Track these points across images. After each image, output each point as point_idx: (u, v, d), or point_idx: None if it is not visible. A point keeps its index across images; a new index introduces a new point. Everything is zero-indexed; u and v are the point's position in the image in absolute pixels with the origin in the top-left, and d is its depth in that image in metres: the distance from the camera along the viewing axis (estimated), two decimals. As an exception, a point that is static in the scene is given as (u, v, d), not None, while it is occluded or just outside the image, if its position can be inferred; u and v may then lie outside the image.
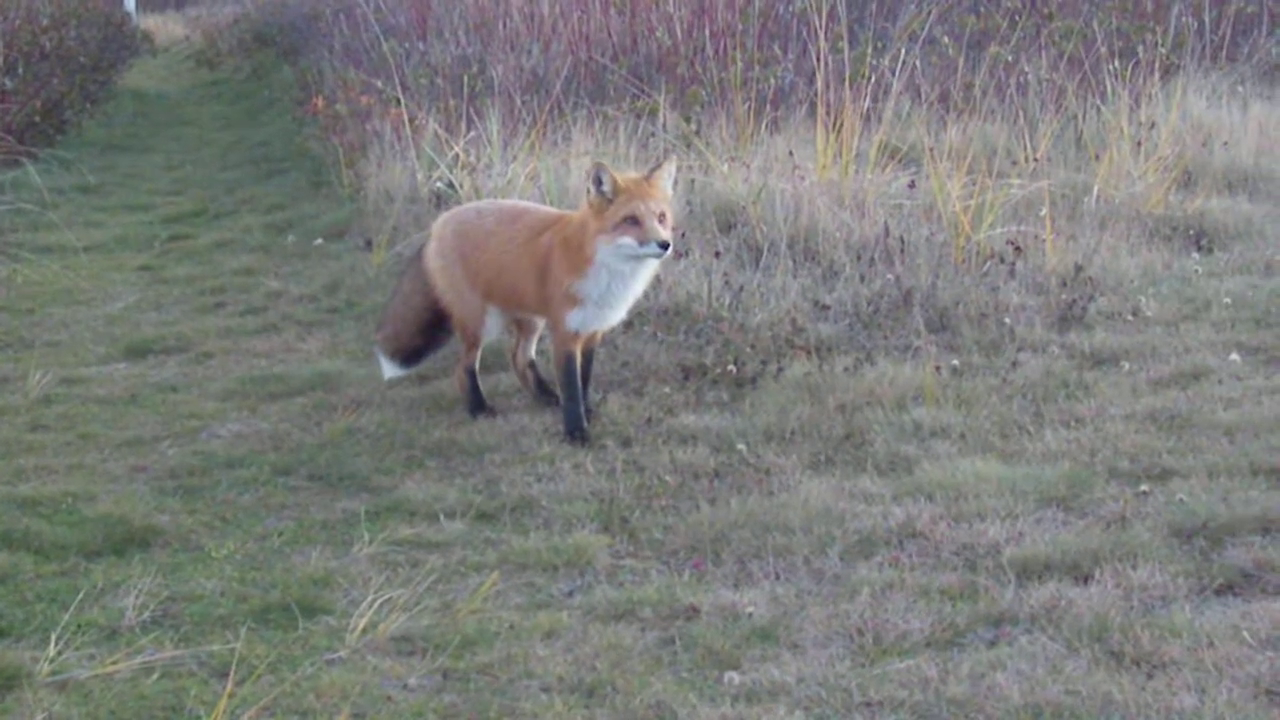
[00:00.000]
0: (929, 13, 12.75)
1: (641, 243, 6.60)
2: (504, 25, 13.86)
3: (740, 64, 11.48)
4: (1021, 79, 12.01)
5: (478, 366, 7.41)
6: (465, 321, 7.29)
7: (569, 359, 6.96)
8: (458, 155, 10.44)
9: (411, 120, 11.30)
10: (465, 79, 11.84)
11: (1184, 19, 13.74)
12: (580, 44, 13.06)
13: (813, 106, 10.79)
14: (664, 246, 6.60)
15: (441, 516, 6.14)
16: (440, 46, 13.78)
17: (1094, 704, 4.47)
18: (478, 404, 7.34)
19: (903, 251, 8.92)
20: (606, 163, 7.05)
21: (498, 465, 6.71)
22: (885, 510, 5.97)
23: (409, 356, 7.54)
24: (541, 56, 12.94)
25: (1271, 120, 12.34)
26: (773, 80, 11.89)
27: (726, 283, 8.54)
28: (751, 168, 10.18)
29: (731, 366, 7.55)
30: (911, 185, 9.91)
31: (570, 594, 5.47)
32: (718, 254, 8.95)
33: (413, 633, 5.11)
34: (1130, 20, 13.36)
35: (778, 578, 5.50)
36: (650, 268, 6.89)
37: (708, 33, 12.64)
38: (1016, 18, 13.37)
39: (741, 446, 6.75)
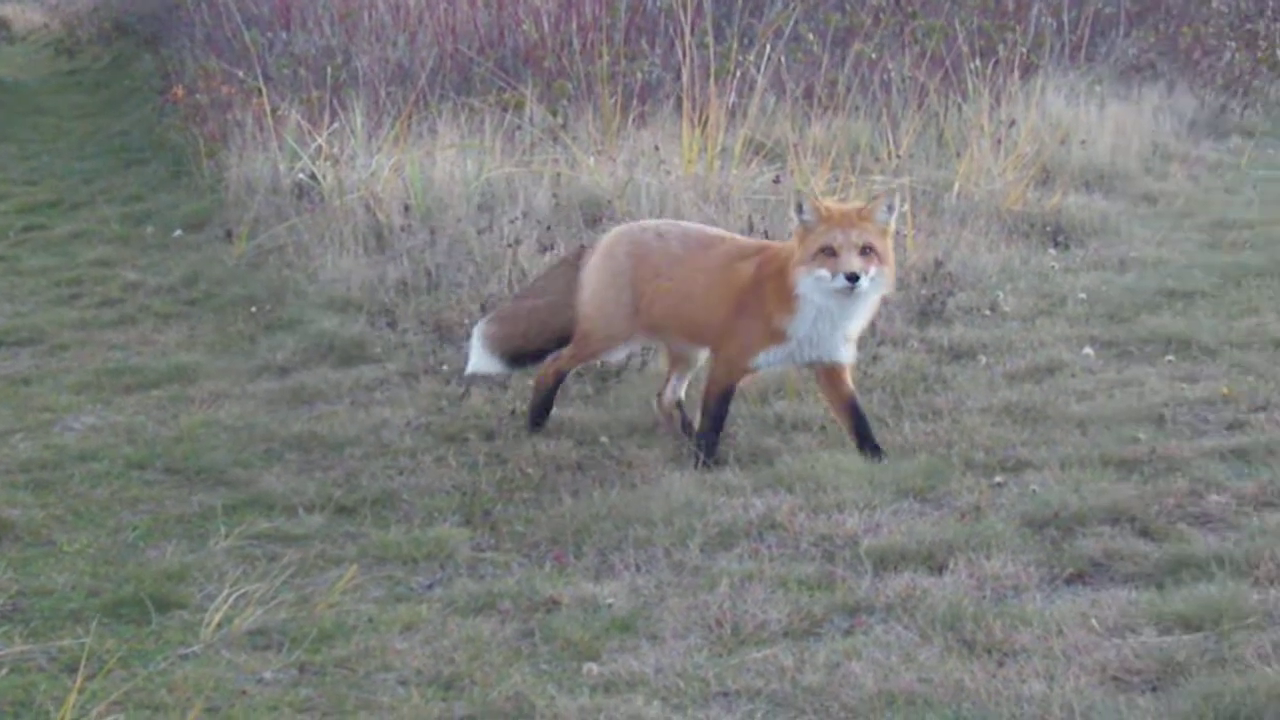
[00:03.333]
0: (794, 9, 12.83)
1: (834, 274, 6.21)
2: (369, 16, 13.74)
3: (607, 58, 11.48)
4: (885, 76, 12.12)
5: (561, 379, 7.02)
6: (596, 338, 6.81)
7: (729, 391, 6.59)
8: (320, 147, 10.34)
9: (274, 111, 11.17)
10: (329, 70, 11.74)
11: (1044, 19, 13.95)
12: (447, 36, 12.99)
13: (679, 101, 10.81)
14: (851, 279, 6.18)
15: (300, 510, 6.10)
16: (304, 37, 13.66)
17: (945, 691, 4.52)
18: (543, 413, 6.96)
19: (766, 246, 8.96)
20: (812, 192, 6.74)
21: (358, 458, 6.66)
22: (746, 502, 6.00)
23: (523, 358, 7.01)
24: (407, 48, 12.86)
25: (1128, 119, 12.62)
26: (639, 75, 11.91)
27: (591, 276, 8.53)
28: (618, 162, 10.18)
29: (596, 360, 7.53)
30: (776, 180, 9.96)
31: (430, 587, 5.45)
32: (583, 248, 8.91)
33: (269, 627, 5.06)
34: (991, 19, 13.52)
35: (638, 569, 5.51)
36: (865, 306, 6.42)
37: (575, 26, 12.62)
38: (880, 15, 13.49)
39: (605, 439, 6.77)
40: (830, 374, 6.54)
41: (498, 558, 5.69)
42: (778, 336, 6.42)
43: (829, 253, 6.21)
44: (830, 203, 6.43)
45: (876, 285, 6.31)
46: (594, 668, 4.77)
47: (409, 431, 6.95)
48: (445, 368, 7.69)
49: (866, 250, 6.22)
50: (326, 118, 10.84)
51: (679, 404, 6.93)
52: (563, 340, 6.92)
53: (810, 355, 6.47)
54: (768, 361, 6.52)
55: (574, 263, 7.02)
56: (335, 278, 8.93)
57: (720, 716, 4.50)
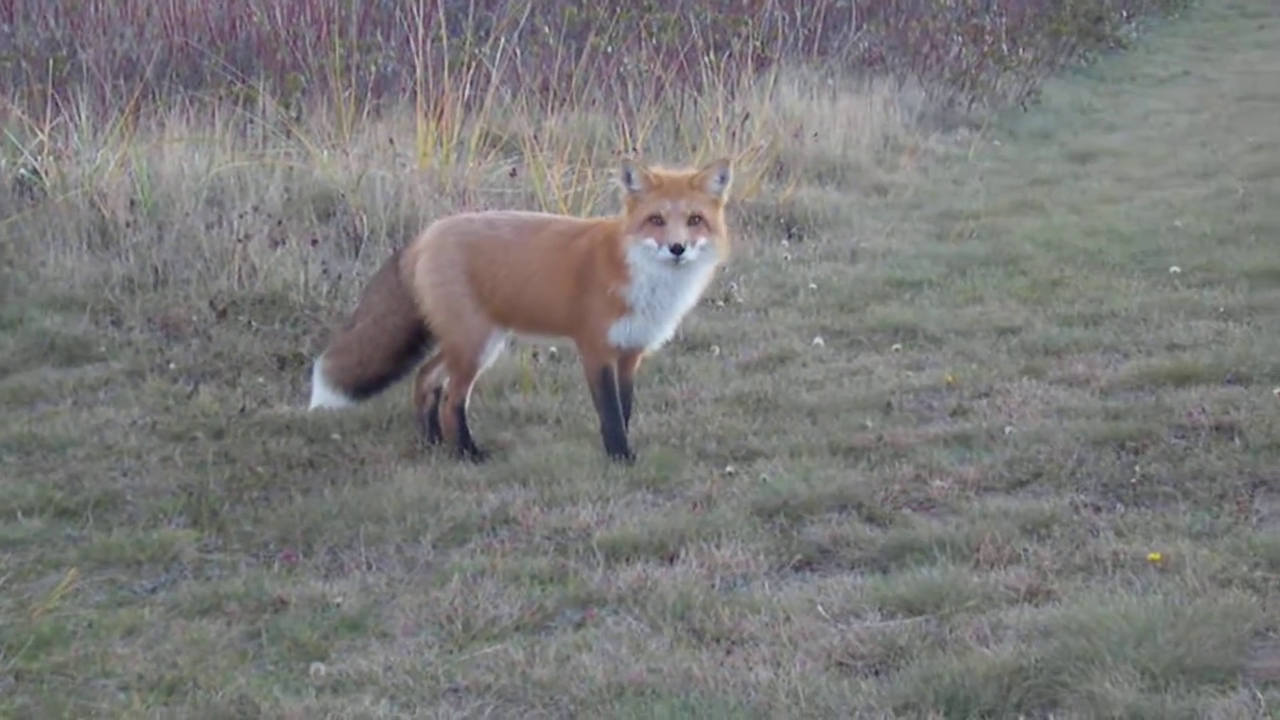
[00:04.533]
0: (529, 2, 12.82)
1: (659, 244, 6.14)
2: (96, 8, 13.37)
3: (341, 50, 11.34)
4: (621, 70, 12.19)
5: (468, 404, 6.64)
6: (461, 348, 6.49)
7: (605, 372, 6.40)
8: (43, 142, 10.02)
9: (-7, 105, 10.80)
10: (52, 62, 11.39)
11: (777, 12, 14.16)
12: (176, 28, 12.70)
13: (414, 95, 10.73)
14: (676, 251, 6.12)
15: (19, 513, 5.90)
16: (27, 28, 13.22)
17: (674, 681, 4.55)
18: (472, 445, 6.55)
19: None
20: (640, 160, 6.56)
21: (81, 460, 6.48)
22: (479, 497, 5.99)
23: (366, 386, 6.67)
24: (135, 40, 12.54)
25: (859, 112, 12.89)
26: (374, 68, 11.79)
27: (325, 271, 8.44)
28: (352, 155, 10.06)
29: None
30: (513, 174, 9.96)
31: (154, 590, 5.34)
32: (315, 242, 8.82)
33: (-17, 635, 4.90)
34: (725, 13, 13.71)
35: (369, 567, 5.46)
36: (699, 276, 6.38)
37: (308, 18, 12.46)
38: (616, 9, 13.56)
39: (337, 436, 6.70)
40: (629, 359, 6.53)
41: (225, 558, 5.58)
42: (620, 307, 6.31)
43: (656, 222, 6.17)
44: (660, 170, 6.37)
45: (707, 256, 6.29)
46: (322, 668, 4.71)
47: (134, 431, 6.78)
48: (173, 366, 7.52)
49: (695, 220, 6.19)
50: (49, 112, 10.51)
51: (437, 391, 6.69)
52: (399, 355, 6.63)
53: (657, 334, 6.43)
54: (623, 336, 6.36)
55: (392, 269, 6.73)
56: (58, 275, 8.64)
57: (449, 713, 4.47)
